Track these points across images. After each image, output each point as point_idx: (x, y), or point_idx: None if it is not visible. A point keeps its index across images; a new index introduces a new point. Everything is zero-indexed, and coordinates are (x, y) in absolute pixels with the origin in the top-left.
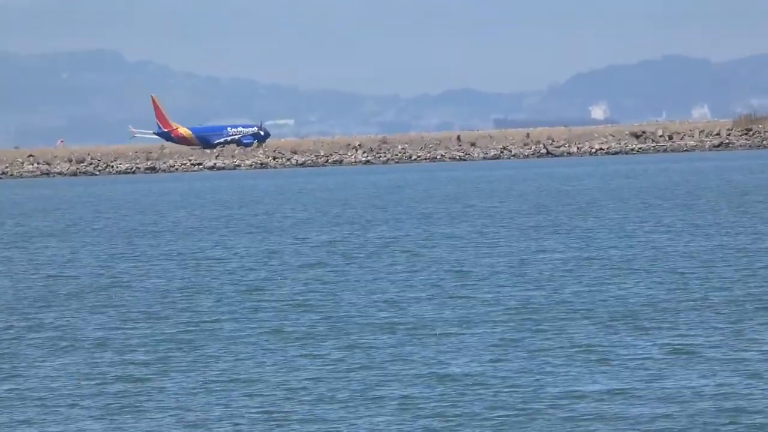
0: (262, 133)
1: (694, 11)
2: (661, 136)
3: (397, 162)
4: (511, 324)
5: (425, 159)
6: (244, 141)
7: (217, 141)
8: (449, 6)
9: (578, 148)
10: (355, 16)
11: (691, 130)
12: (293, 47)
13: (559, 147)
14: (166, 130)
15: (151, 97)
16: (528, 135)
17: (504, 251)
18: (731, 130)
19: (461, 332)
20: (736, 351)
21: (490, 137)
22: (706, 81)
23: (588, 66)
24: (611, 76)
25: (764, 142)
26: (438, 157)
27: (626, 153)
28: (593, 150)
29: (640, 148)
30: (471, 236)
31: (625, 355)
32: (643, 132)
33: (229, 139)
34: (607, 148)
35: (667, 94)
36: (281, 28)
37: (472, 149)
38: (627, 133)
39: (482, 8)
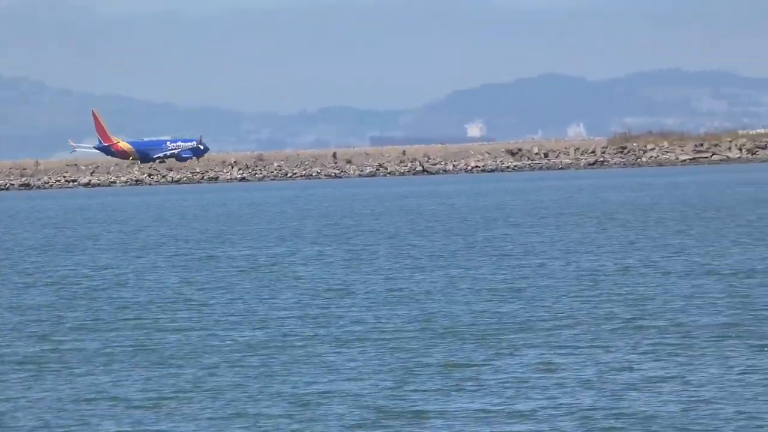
0: (201, 147)
1: (569, 30)
2: (536, 154)
3: (273, 179)
4: (379, 342)
5: (301, 176)
6: (183, 155)
7: (157, 155)
8: (327, 24)
9: (454, 165)
10: (232, 34)
11: (566, 148)
12: (171, 64)
13: (435, 164)
14: (106, 144)
15: (92, 111)
16: (404, 152)
17: (374, 271)
18: (606, 148)
19: (328, 351)
20: (599, 370)
21: (366, 154)
22: (582, 99)
23: (464, 84)
24: (488, 94)
25: (638, 160)
26: (314, 174)
27: (502, 170)
28: (469, 167)
29: (515, 166)
30: (338, 255)
31: (491, 373)
32: (519, 149)
33: (168, 153)
34: (483, 166)
35: (544, 112)
36: (159, 44)
37: (348, 166)
38: (503, 150)
39: (359, 25)
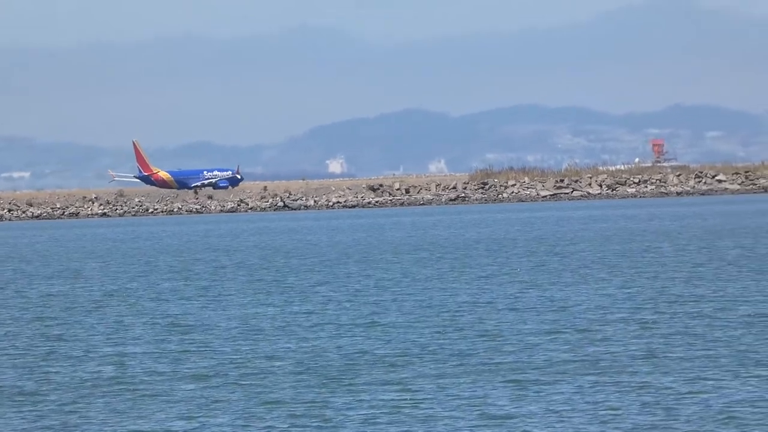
0: (238, 176)
1: (432, 65)
2: (398, 190)
3: (134, 215)
4: (218, 380)
5: (162, 212)
6: (220, 184)
7: (194, 184)
8: (182, 58)
9: (315, 201)
10: (90, 69)
11: (427, 184)
12: (29, 98)
13: (296, 200)
14: (146, 173)
15: (133, 142)
16: (265, 188)
17: (226, 307)
18: (468, 183)
19: (174, 388)
20: (444, 407)
21: (227, 190)
22: (445, 135)
23: (326, 119)
24: (350, 129)
25: (500, 195)
26: (175, 210)
27: (363, 206)
28: (330, 203)
29: (377, 202)
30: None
31: (336, 410)
32: (381, 185)
33: (206, 182)
34: (345, 201)
35: (405, 147)
36: (16, 78)
37: (209, 202)
38: (364, 186)
39: (217, 60)
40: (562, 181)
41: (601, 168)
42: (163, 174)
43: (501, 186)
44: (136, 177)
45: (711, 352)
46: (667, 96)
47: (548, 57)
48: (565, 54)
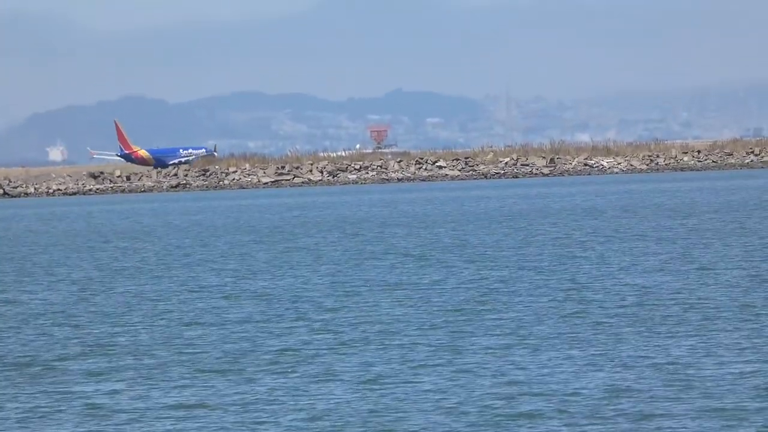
0: (215, 154)
1: (150, 52)
2: (119, 177)
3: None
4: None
5: None
6: (195, 161)
7: (171, 161)
8: None
9: (36, 188)
10: None
11: (149, 171)
12: None
13: (17, 188)
14: (127, 152)
15: (114, 121)
16: None
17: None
18: (189, 170)
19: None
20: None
21: None
22: (164, 122)
23: (45, 106)
24: (69, 117)
25: (221, 182)
26: None
27: (84, 193)
28: (51, 190)
29: (98, 189)
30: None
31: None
32: (101, 173)
33: (183, 160)
34: (65, 189)
35: (129, 134)
36: None
37: None
38: (85, 173)
39: None
40: (283, 167)
41: (322, 154)
42: (143, 152)
43: (222, 173)
44: (118, 155)
45: None
46: (388, 82)
47: (268, 44)
48: (285, 41)
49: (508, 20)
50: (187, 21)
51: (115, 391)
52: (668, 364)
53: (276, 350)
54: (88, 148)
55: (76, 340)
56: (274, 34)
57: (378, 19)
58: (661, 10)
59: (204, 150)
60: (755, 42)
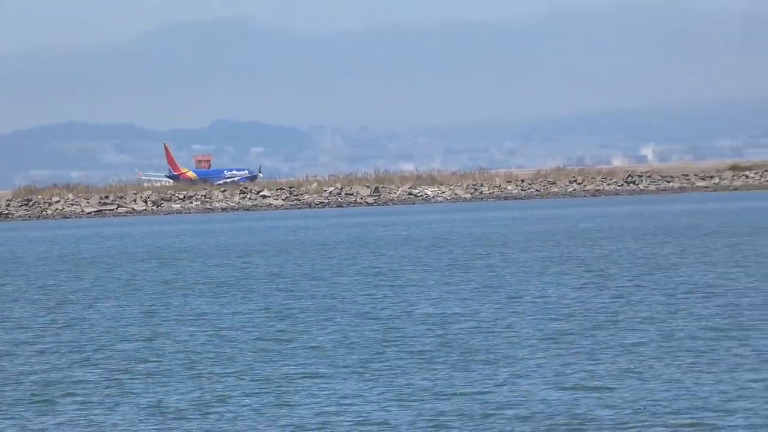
0: (260, 174)
1: None
2: None
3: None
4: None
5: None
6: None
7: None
8: None
9: None
10: None
11: None
12: None
13: None
14: (176, 173)
15: (164, 144)
16: None
17: None
18: (11, 200)
19: None
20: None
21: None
22: None
23: None
24: None
25: (44, 212)
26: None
27: None
28: None
29: None
30: None
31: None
32: None
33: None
34: None
35: None
36: None
37: None
38: None
39: None
40: (107, 197)
41: (146, 184)
42: (190, 174)
43: (45, 203)
44: (166, 176)
45: None
46: (213, 112)
47: (95, 75)
48: (112, 72)
49: (336, 51)
50: (14, 50)
51: None
52: (477, 393)
53: (75, 381)
54: (136, 170)
55: None
56: (100, 63)
57: (205, 48)
58: (486, 47)
59: (247, 171)
60: (574, 77)
